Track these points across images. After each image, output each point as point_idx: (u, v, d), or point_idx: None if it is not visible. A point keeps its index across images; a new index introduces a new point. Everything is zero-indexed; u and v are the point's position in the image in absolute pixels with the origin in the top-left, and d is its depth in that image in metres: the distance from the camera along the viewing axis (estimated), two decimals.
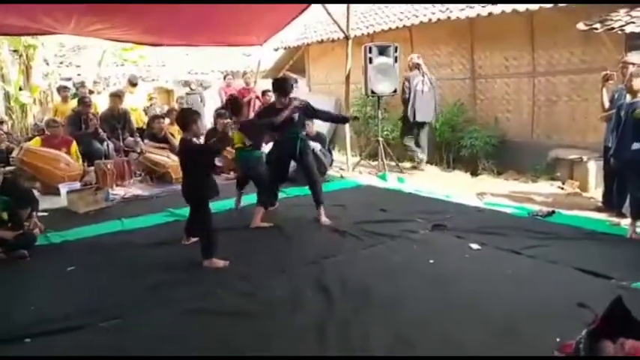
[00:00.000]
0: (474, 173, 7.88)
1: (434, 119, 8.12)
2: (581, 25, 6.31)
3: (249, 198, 5.51)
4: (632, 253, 3.97)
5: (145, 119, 9.16)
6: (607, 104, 5.15)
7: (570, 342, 1.63)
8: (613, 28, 5.98)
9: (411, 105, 7.75)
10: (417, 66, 7.84)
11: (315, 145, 6.92)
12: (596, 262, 3.70)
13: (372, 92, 7.80)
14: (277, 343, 2.80)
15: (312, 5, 7.12)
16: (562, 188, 6.59)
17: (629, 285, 3.30)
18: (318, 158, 6.73)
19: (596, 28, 6.14)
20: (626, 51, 5.71)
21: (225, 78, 11.02)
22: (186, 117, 4.11)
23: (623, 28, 5.88)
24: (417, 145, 8.05)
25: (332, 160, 8.02)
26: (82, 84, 10.22)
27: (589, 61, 6.91)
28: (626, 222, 4.53)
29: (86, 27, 6.20)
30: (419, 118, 7.80)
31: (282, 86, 5.08)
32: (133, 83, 10.03)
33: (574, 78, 7.18)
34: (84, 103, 7.94)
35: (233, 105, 5.19)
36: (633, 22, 5.86)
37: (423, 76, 7.78)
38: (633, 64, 4.77)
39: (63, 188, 6.13)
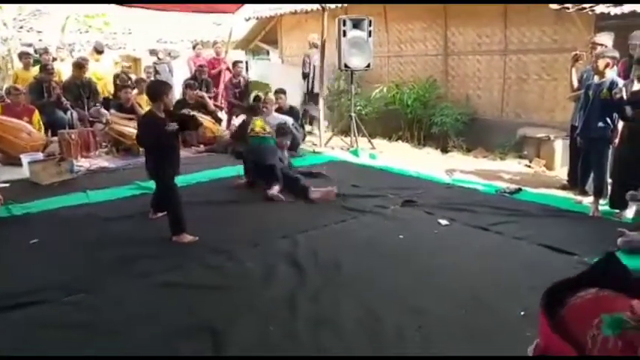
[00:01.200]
0: (444, 150, 7.96)
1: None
2: (553, 5, 6.36)
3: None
4: (594, 230, 4.09)
5: (112, 88, 8.87)
6: (576, 84, 5.23)
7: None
8: (584, 8, 6.05)
9: (311, 79, 8.74)
10: (316, 45, 8.66)
11: (288, 120, 6.84)
12: (560, 239, 3.80)
13: (346, 66, 7.72)
14: (247, 315, 2.79)
15: None
16: (529, 166, 6.73)
17: (591, 261, 3.40)
18: (291, 132, 6.67)
19: (568, 8, 6.20)
20: (596, 32, 5.79)
21: (194, 48, 10.73)
22: (157, 88, 3.98)
23: (594, 8, 5.96)
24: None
25: (305, 135, 7.97)
26: (45, 50, 9.77)
27: (560, 41, 7.00)
28: (589, 200, 4.66)
29: None
30: (316, 90, 8.57)
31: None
32: (98, 50, 9.66)
33: (545, 57, 7.26)
34: (46, 70, 7.63)
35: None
36: (603, 2, 5.93)
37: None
38: (602, 44, 4.84)
39: (25, 159, 5.91)
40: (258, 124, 5.38)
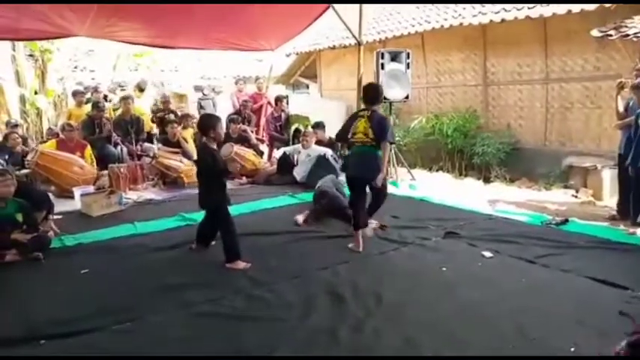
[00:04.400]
0: (486, 180, 7.84)
1: None
2: (595, 32, 6.28)
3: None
4: None
5: (152, 124, 9.24)
6: (622, 111, 5.11)
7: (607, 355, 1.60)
8: (628, 35, 5.94)
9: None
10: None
11: (327, 151, 6.93)
12: (611, 272, 3.66)
13: (385, 98, 7.77)
14: (287, 346, 2.80)
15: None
16: (576, 196, 6.53)
17: None
18: (330, 163, 6.75)
19: (611, 35, 6.10)
20: None
21: (237, 83, 11.08)
22: (208, 122, 4.20)
23: (638, 35, 5.84)
24: None
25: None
26: (96, 89, 10.32)
27: (603, 68, 6.87)
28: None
29: (101, 28, 6.29)
30: None
31: None
32: (140, 88, 10.11)
33: (588, 85, 7.14)
34: (98, 107, 8.03)
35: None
36: None
37: None
38: None
39: (77, 191, 6.18)
40: (361, 125, 4.42)
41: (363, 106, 4.62)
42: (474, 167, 8.28)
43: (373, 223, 4.84)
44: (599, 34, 6.25)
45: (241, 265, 4.01)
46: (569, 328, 2.87)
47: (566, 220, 5.05)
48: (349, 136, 4.44)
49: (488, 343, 2.77)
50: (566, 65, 7.40)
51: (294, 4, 6.42)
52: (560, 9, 6.67)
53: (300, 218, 5.17)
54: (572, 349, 2.61)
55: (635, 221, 4.69)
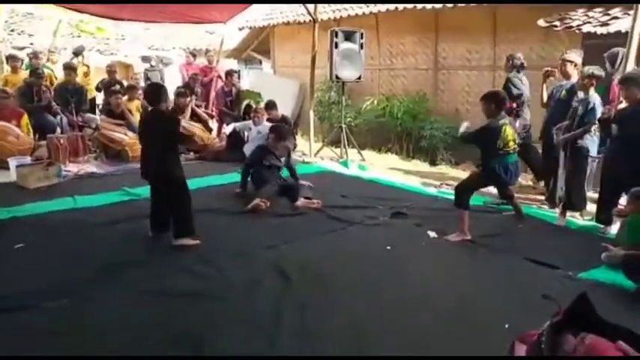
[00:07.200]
0: (433, 163, 8.03)
1: None
2: (541, 22, 6.49)
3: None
4: (580, 245, 4.14)
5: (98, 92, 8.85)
6: (545, 100, 5.36)
7: (532, 332, 1.69)
8: (571, 27, 6.18)
9: None
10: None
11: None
12: (544, 253, 3.85)
13: (337, 77, 7.79)
14: (231, 325, 2.79)
15: None
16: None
17: (575, 275, 3.45)
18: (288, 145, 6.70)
19: (556, 26, 6.33)
20: (583, 49, 5.90)
21: (186, 55, 10.75)
22: (157, 91, 4.07)
23: (581, 27, 6.08)
24: None
25: (295, 145, 7.99)
26: (36, 54, 9.72)
27: (547, 58, 7.11)
28: (572, 213, 4.73)
29: None
30: None
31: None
32: (76, 54, 9.59)
33: (532, 73, 7.37)
34: (37, 74, 7.59)
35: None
36: (590, 22, 6.06)
37: None
38: (571, 61, 4.99)
39: (12, 162, 5.87)
40: (509, 132, 4.18)
41: (492, 116, 4.24)
42: (422, 150, 8.44)
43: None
44: (545, 24, 6.46)
45: (191, 242, 3.88)
46: (505, 307, 3.01)
47: (506, 202, 5.23)
48: (500, 147, 4.13)
49: (429, 320, 2.87)
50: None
51: None
52: None
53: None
54: (507, 326, 2.74)
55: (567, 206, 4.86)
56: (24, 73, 8.21)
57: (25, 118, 6.96)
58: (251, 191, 5.27)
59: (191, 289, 3.23)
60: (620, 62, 4.86)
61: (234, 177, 5.89)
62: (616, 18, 5.91)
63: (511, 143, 4.17)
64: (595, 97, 4.44)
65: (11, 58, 8.67)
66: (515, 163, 4.30)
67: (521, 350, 1.71)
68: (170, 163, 3.92)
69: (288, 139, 5.66)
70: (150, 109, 4.15)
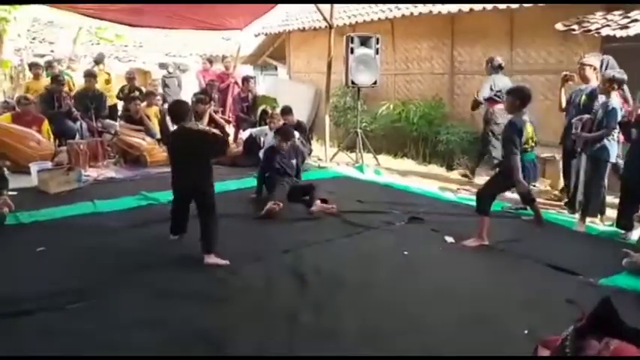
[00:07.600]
0: (450, 168, 7.98)
1: None
2: (559, 26, 6.42)
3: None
4: (600, 250, 4.08)
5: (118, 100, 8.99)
6: (564, 104, 5.29)
7: (555, 337, 1.68)
8: (590, 30, 6.10)
9: None
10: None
11: (295, 134, 6.89)
12: (564, 258, 3.79)
13: (353, 83, 7.80)
14: (247, 327, 2.80)
15: None
16: (534, 186, 6.71)
17: (597, 282, 3.40)
18: (297, 147, 6.72)
19: (574, 29, 6.25)
20: (602, 52, 5.83)
21: (203, 62, 10.87)
22: (182, 108, 4.04)
23: (599, 30, 6.01)
24: None
25: (311, 150, 8.02)
26: (51, 64, 9.91)
27: (565, 62, 7.03)
28: (592, 219, 4.66)
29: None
30: None
31: None
32: (96, 62, 9.79)
33: (550, 77, 7.31)
34: (57, 81, 7.74)
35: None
36: (609, 25, 5.98)
37: None
38: (590, 65, 4.92)
39: (34, 167, 5.96)
40: (530, 130, 4.11)
41: (516, 112, 4.14)
42: (438, 155, 8.40)
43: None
44: (563, 28, 6.39)
45: (221, 262, 3.71)
46: (524, 312, 2.97)
47: (525, 207, 5.18)
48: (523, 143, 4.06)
49: (447, 325, 2.84)
50: (529, 57, 7.55)
51: None
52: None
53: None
54: (526, 332, 2.70)
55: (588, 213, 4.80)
56: (45, 80, 8.38)
57: (46, 124, 7.08)
58: (266, 196, 5.30)
59: (209, 292, 3.25)
60: None
61: (251, 182, 5.93)
62: (636, 21, 5.82)
63: (530, 141, 4.10)
64: (615, 101, 4.38)
65: (34, 66, 8.86)
66: (533, 162, 4.22)
67: (544, 355, 1.70)
68: (208, 177, 3.89)
69: (293, 139, 5.72)
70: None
